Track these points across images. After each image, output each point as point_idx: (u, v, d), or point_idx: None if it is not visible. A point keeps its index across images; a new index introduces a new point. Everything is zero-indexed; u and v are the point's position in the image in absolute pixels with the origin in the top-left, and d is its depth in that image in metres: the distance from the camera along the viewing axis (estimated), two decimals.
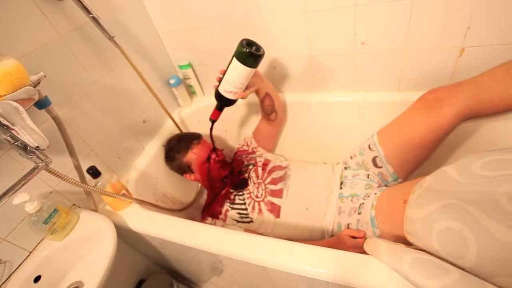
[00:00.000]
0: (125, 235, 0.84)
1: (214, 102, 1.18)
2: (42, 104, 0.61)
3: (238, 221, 0.92)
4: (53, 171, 0.60)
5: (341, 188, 0.88)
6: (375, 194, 0.75)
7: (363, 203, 0.77)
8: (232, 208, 0.93)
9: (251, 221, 0.90)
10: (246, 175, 0.99)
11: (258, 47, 0.73)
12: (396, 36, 0.81)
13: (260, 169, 0.99)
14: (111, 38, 0.79)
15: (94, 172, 0.74)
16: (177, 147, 0.98)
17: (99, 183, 0.76)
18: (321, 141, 1.12)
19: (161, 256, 0.97)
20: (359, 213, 0.76)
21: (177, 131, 1.09)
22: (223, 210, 0.94)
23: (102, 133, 0.88)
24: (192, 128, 1.21)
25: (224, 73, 0.77)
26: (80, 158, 0.78)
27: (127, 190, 0.83)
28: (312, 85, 1.02)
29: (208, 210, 0.98)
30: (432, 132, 0.77)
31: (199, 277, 1.08)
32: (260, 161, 1.02)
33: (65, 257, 0.71)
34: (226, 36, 0.99)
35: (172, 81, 1.11)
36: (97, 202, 0.84)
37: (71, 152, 0.72)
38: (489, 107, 0.73)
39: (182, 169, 1.00)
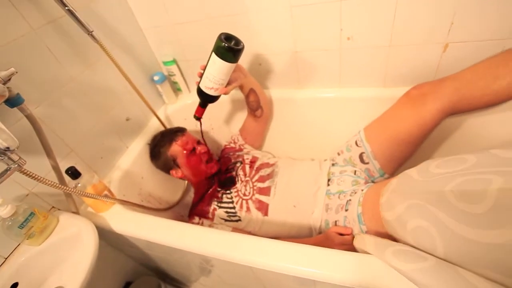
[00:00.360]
0: (108, 237, 0.81)
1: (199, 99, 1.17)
2: (13, 102, 0.58)
3: (226, 220, 0.90)
4: (28, 172, 0.57)
5: (328, 184, 0.88)
6: (362, 190, 0.75)
7: (350, 200, 0.77)
8: (220, 207, 0.92)
9: (239, 220, 0.89)
10: (234, 173, 0.97)
11: (238, 41, 0.71)
12: (381, 32, 0.81)
13: (247, 167, 0.98)
14: (89, 33, 0.75)
15: (74, 173, 0.71)
16: (161, 142, 0.96)
17: (79, 184, 0.73)
18: (308, 138, 1.12)
19: (147, 258, 0.94)
20: (346, 210, 0.76)
21: (162, 129, 1.05)
22: (211, 209, 0.93)
23: (83, 132, 0.84)
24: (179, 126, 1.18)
25: (204, 68, 0.75)
26: (59, 158, 0.74)
27: (109, 191, 0.80)
28: (298, 81, 1.02)
29: (195, 209, 0.96)
30: (418, 127, 0.77)
31: (188, 277, 1.07)
32: (247, 159, 1.00)
33: (44, 263, 0.68)
34: (211, 31, 0.95)
35: (156, 78, 1.08)
36: (78, 204, 0.80)
37: (48, 153, 0.68)
38: (472, 102, 0.74)
39: (168, 165, 0.97)
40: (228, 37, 0.70)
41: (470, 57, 0.76)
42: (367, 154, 0.86)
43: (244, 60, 1.00)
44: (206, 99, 0.80)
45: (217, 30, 0.94)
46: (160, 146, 0.96)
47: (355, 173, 0.88)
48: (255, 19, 0.89)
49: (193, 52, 1.07)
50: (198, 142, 0.97)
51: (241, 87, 0.92)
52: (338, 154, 0.96)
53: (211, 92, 0.77)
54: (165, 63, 1.10)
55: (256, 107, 0.97)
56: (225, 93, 0.79)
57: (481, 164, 0.49)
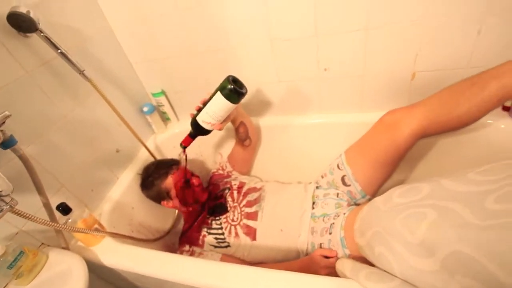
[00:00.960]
0: (99, 270, 0.81)
1: (188, 128, 1.21)
2: (6, 144, 0.60)
3: (215, 246, 0.91)
4: (19, 212, 0.58)
5: (313, 208, 0.91)
6: (344, 214, 0.79)
7: (333, 223, 0.80)
8: (209, 233, 0.93)
9: (228, 246, 0.90)
10: (223, 199, 1.00)
11: (242, 85, 0.75)
12: (355, 63, 0.89)
13: (235, 192, 1.00)
14: (80, 72, 0.79)
15: (64, 209, 0.72)
16: (155, 174, 0.97)
17: (69, 220, 0.74)
18: (294, 161, 1.16)
19: None
20: (330, 233, 0.79)
21: (152, 159, 1.08)
22: (201, 236, 0.94)
23: (73, 167, 0.86)
24: (168, 154, 1.21)
25: (204, 103, 0.78)
26: (50, 194, 0.75)
27: (100, 224, 0.81)
28: (282, 109, 1.07)
29: (185, 237, 0.97)
30: (393, 151, 0.83)
31: None
32: (235, 184, 1.03)
33: None
34: (198, 64, 1.03)
35: (145, 109, 1.12)
36: (68, 239, 0.80)
37: (39, 190, 0.69)
38: (439, 126, 0.80)
39: (161, 196, 0.98)
40: (234, 80, 0.74)
41: (435, 84, 0.83)
42: (348, 177, 0.90)
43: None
44: (199, 132, 0.83)
45: (204, 63, 1.01)
46: (154, 178, 0.97)
47: (337, 196, 0.91)
48: (240, 53, 0.96)
49: (181, 84, 1.12)
50: (192, 174, 0.99)
51: (232, 120, 0.96)
52: (322, 177, 1.00)
53: (208, 127, 0.80)
54: (154, 94, 1.15)
55: (245, 137, 1.01)
56: (220, 129, 0.83)
57: (430, 195, 0.56)
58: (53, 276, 0.69)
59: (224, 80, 0.73)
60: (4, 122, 0.58)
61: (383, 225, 0.59)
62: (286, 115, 1.09)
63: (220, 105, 0.74)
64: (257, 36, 0.91)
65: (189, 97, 1.15)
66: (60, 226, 0.67)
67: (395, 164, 0.86)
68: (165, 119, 1.23)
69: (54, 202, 0.73)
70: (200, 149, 1.23)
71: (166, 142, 1.19)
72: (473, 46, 0.77)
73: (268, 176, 1.21)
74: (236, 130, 1.00)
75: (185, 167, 0.96)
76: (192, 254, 0.90)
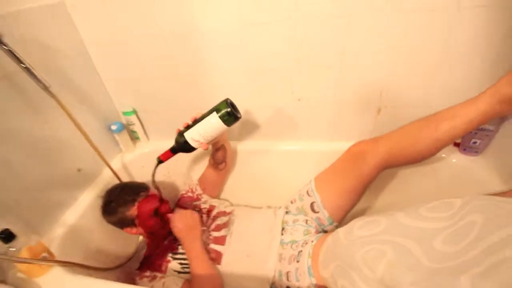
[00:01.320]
0: None
1: (158, 148, 1.16)
2: None
3: (179, 272, 0.86)
4: None
5: (282, 234, 0.90)
6: (312, 242, 0.79)
7: (301, 251, 0.80)
8: (174, 259, 0.87)
9: None
10: None
11: (238, 110, 0.76)
12: (325, 95, 0.93)
13: (204, 216, 0.97)
14: (46, 88, 0.75)
15: (7, 237, 0.65)
16: (119, 200, 0.89)
17: (12, 248, 0.66)
18: (265, 186, 1.15)
19: None
20: (298, 261, 0.78)
21: (116, 180, 1.02)
22: (164, 261, 0.88)
23: (25, 187, 0.78)
24: (135, 174, 1.16)
25: (195, 121, 0.76)
26: None
27: (49, 252, 0.74)
28: (259, 134, 1.08)
29: (147, 263, 0.90)
30: (359, 180, 0.86)
31: None
32: (204, 208, 1.00)
33: None
34: (173, 86, 1.02)
35: (114, 127, 1.07)
36: (6, 269, 0.71)
37: None
38: (401, 159, 0.85)
39: (124, 224, 0.90)
40: (232, 104, 0.74)
41: (398, 120, 0.89)
42: (317, 204, 0.91)
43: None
44: (183, 149, 0.80)
45: (179, 86, 1.01)
46: (118, 205, 0.89)
47: (306, 222, 0.92)
48: (215, 80, 0.97)
49: (153, 104, 1.10)
50: (161, 200, 0.94)
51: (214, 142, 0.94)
52: (292, 202, 1.00)
53: (195, 145, 0.78)
54: (124, 113, 1.11)
55: (221, 160, 0.99)
56: (205, 149, 0.81)
57: (387, 230, 0.60)
58: None
59: (222, 102, 0.73)
60: None
61: (345, 259, 0.61)
62: (260, 140, 1.10)
63: (213, 125, 0.74)
64: (234, 65, 0.92)
65: (161, 117, 1.13)
66: None
67: (360, 192, 0.89)
68: (134, 138, 1.18)
69: None
70: (168, 169, 1.19)
71: (134, 161, 1.14)
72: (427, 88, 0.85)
73: (237, 199, 1.19)
74: (214, 152, 0.98)
75: (153, 180, 0.91)
76: (153, 279, 0.83)
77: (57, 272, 0.73)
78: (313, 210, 0.92)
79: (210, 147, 0.97)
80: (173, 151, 0.82)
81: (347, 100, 0.92)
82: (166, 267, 0.86)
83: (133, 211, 0.88)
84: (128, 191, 0.91)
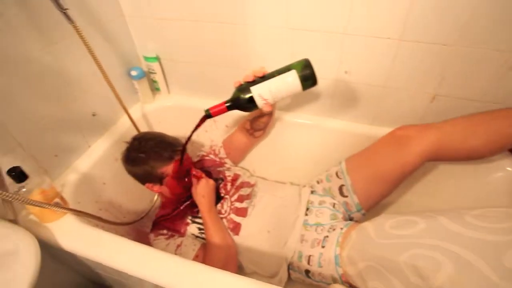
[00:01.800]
0: (53, 251, 0.68)
1: (179, 103, 1.09)
2: None
3: (197, 236, 0.83)
4: None
5: (306, 214, 0.85)
6: (341, 229, 0.74)
7: (327, 237, 0.75)
8: (193, 222, 0.83)
9: None
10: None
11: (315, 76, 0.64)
12: (379, 72, 0.82)
13: (229, 185, 0.91)
14: (63, 10, 0.63)
15: (18, 175, 0.58)
16: (154, 153, 0.79)
17: (24, 189, 0.60)
18: (288, 160, 1.09)
19: (97, 276, 0.82)
20: (323, 247, 0.74)
21: (133, 130, 0.93)
22: (183, 223, 0.84)
23: (36, 123, 0.71)
24: (152, 128, 1.08)
25: (265, 76, 0.64)
26: (1, 153, 0.61)
27: (62, 198, 0.68)
28: (289, 105, 0.99)
29: (166, 221, 0.85)
30: (399, 167, 0.79)
31: None
32: (229, 176, 0.94)
33: None
34: (206, 36, 0.90)
35: (134, 73, 0.97)
36: (18, 210, 0.66)
37: None
38: (449, 153, 0.77)
39: (149, 179, 0.82)
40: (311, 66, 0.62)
41: (453, 111, 0.81)
42: (347, 187, 0.86)
43: (235, 72, 0.95)
44: (243, 106, 0.66)
45: (209, 35, 0.89)
46: (151, 158, 0.79)
47: (334, 206, 0.87)
48: (252, 33, 0.85)
49: (180, 53, 0.98)
50: (192, 162, 0.87)
51: None
52: (318, 182, 0.95)
53: (259, 103, 0.65)
54: (146, 58, 1.00)
55: (261, 128, 0.88)
56: (268, 111, 0.67)
57: (429, 232, 0.55)
58: None
59: (301, 61, 0.62)
60: None
61: (380, 261, 0.58)
62: (291, 112, 1.01)
63: (289, 85, 0.62)
64: (276, 18, 0.80)
65: (187, 69, 1.02)
66: (10, 196, 0.54)
67: (397, 181, 0.83)
68: (154, 88, 1.08)
69: (4, 163, 0.59)
70: (186, 129, 1.11)
71: (152, 114, 1.05)
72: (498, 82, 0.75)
73: (257, 170, 1.14)
74: (257, 118, 0.84)
75: (187, 140, 0.76)
76: (170, 237, 0.80)
77: (69, 220, 0.69)
78: (341, 193, 0.87)
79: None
80: (230, 107, 0.67)
81: (400, 81, 0.82)
82: (186, 230, 0.82)
83: (166, 168, 0.79)
84: (164, 146, 0.80)
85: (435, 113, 0.85)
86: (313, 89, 0.90)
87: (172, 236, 0.79)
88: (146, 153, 0.79)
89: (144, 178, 0.82)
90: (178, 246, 0.76)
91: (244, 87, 0.65)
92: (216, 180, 0.91)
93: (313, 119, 0.99)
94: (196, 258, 0.76)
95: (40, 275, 0.56)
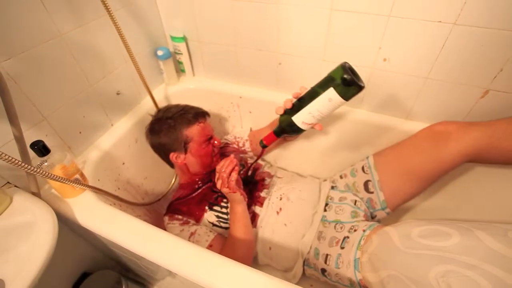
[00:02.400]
0: (73, 226, 0.70)
1: (204, 86, 1.06)
2: None
3: (214, 225, 0.79)
4: None
5: (325, 210, 0.80)
6: (363, 231, 0.69)
7: (348, 238, 0.70)
8: (211, 209, 0.80)
9: (228, 228, 0.79)
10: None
11: (359, 77, 0.54)
12: (422, 61, 0.73)
13: (249, 172, 0.88)
14: None
15: (41, 149, 0.58)
16: (180, 116, 0.80)
17: (46, 163, 0.60)
18: (309, 152, 1.03)
19: (111, 252, 0.84)
20: (342, 248, 0.69)
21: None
22: (200, 208, 0.81)
23: (62, 99, 0.71)
24: None
25: (302, 99, 0.58)
26: (25, 126, 0.62)
27: (82, 175, 0.68)
28: None
29: (181, 205, 0.84)
30: (434, 165, 0.72)
31: (152, 276, 0.97)
32: (250, 163, 0.91)
33: None
34: (234, 14, 0.85)
35: (160, 53, 0.95)
36: (41, 184, 0.68)
37: (12, 119, 0.55)
38: (498, 153, 0.68)
39: (173, 146, 0.81)
40: (351, 69, 0.54)
41: (506, 110, 0.71)
42: (373, 183, 0.80)
43: (264, 55, 0.90)
44: (289, 131, 0.63)
45: (241, 14, 0.84)
46: (177, 121, 0.79)
47: (355, 203, 0.81)
48: (288, 13, 0.78)
49: (207, 33, 0.94)
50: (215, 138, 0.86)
51: None
52: (341, 177, 0.89)
53: (306, 127, 0.61)
54: (173, 38, 0.97)
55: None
56: (320, 129, 0.62)
57: (464, 249, 0.49)
58: (13, 225, 0.58)
59: (338, 70, 0.53)
60: None
61: (407, 272, 0.53)
62: None
63: (330, 104, 0.55)
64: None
65: (214, 52, 0.98)
66: (31, 169, 0.54)
67: (430, 180, 0.76)
68: (179, 70, 1.06)
69: (29, 137, 0.59)
70: (210, 112, 1.08)
71: (175, 96, 1.03)
72: None
73: (278, 161, 1.10)
74: None
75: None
76: (184, 223, 0.77)
77: (88, 196, 0.69)
78: (366, 189, 0.81)
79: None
80: (278, 134, 0.65)
81: (447, 73, 0.73)
82: (202, 216, 0.79)
83: (190, 131, 0.80)
84: (190, 109, 0.82)
85: (484, 110, 0.75)
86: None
87: (187, 222, 0.77)
88: (173, 118, 0.80)
89: (169, 146, 0.81)
90: (192, 234, 0.74)
91: (286, 118, 0.61)
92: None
93: (340, 109, 0.91)
94: (209, 248, 0.73)
95: (60, 247, 0.57)
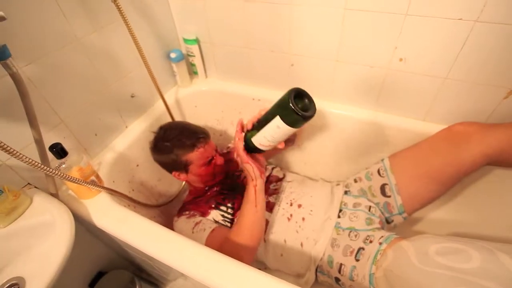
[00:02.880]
0: (89, 226, 0.71)
1: (216, 88, 1.07)
2: None
3: (218, 223, 0.79)
4: (2, 145, 0.46)
5: (339, 216, 0.79)
6: (380, 244, 0.66)
7: (363, 249, 0.68)
8: (218, 209, 0.80)
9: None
10: (240, 180, 0.87)
11: (308, 105, 0.55)
12: (440, 60, 0.71)
13: None
14: None
15: (59, 152, 0.60)
16: (177, 141, 0.78)
17: (63, 165, 0.62)
18: (320, 155, 1.02)
19: (125, 252, 0.85)
20: (357, 260, 0.67)
21: (167, 115, 0.93)
22: (207, 206, 0.81)
23: (79, 103, 0.73)
24: (187, 113, 1.07)
25: (259, 122, 0.59)
26: (44, 129, 0.63)
27: (97, 177, 0.70)
28: (330, 93, 0.91)
29: (190, 205, 0.84)
30: (453, 167, 0.70)
31: (165, 277, 0.98)
32: None
33: (5, 248, 0.58)
34: (246, 15, 0.85)
35: (173, 55, 0.96)
36: (58, 185, 0.69)
37: (32, 121, 0.57)
38: None
39: (175, 167, 0.82)
40: (299, 94, 0.55)
41: None
42: (390, 187, 0.78)
43: (276, 57, 0.89)
44: (251, 150, 0.64)
45: (253, 15, 0.83)
46: (175, 146, 0.78)
47: (369, 210, 0.79)
48: (300, 13, 0.77)
49: (219, 35, 0.94)
50: (216, 150, 0.84)
51: None
52: (355, 181, 0.87)
53: (264, 148, 0.62)
54: (186, 40, 0.98)
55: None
56: (281, 148, 0.63)
57: (485, 273, 0.47)
58: (33, 225, 0.59)
59: (285, 98, 0.53)
60: None
61: None
62: (330, 101, 0.92)
63: (280, 131, 0.56)
64: None
65: (227, 53, 0.98)
66: (50, 171, 0.55)
67: (449, 185, 0.74)
68: (192, 72, 1.07)
69: (48, 139, 0.61)
70: (222, 115, 1.09)
71: (188, 98, 1.04)
72: None
73: (288, 164, 1.08)
74: None
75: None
76: (191, 216, 0.78)
77: (104, 198, 0.70)
78: (383, 193, 0.79)
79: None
80: (248, 150, 0.65)
81: (468, 72, 0.70)
82: (208, 213, 0.79)
83: (189, 156, 0.78)
84: (188, 134, 0.79)
85: (508, 112, 0.71)
86: (360, 77, 0.83)
87: (193, 215, 0.77)
88: (170, 142, 0.78)
89: (170, 166, 0.82)
90: (197, 223, 0.74)
91: (248, 136, 0.62)
92: (242, 171, 0.88)
93: (353, 110, 0.90)
94: (212, 233, 0.71)
95: (76, 247, 0.58)
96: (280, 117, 0.53)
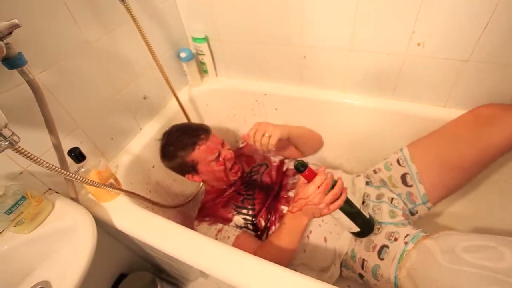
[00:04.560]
0: (108, 227, 0.72)
1: (226, 86, 1.06)
2: (13, 62, 0.46)
3: (241, 227, 0.78)
4: (22, 151, 0.46)
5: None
6: (405, 244, 0.63)
7: (387, 247, 0.65)
8: (238, 213, 0.79)
9: (257, 230, 0.78)
10: (257, 176, 0.86)
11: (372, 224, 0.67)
12: (462, 43, 0.67)
13: (274, 172, 0.86)
14: None
15: (77, 156, 0.60)
16: (178, 143, 0.77)
17: (82, 169, 0.62)
18: (340, 146, 0.99)
19: (146, 254, 0.85)
20: (381, 259, 0.65)
21: (181, 114, 0.92)
22: (227, 211, 0.80)
23: (93, 107, 0.73)
24: (200, 111, 1.07)
25: (351, 205, 0.63)
26: (63, 134, 0.64)
27: (115, 179, 0.70)
28: (343, 84, 0.88)
29: (209, 208, 0.84)
30: (478, 152, 0.66)
31: (186, 277, 0.98)
32: (274, 162, 0.88)
33: (30, 253, 0.59)
34: (254, 9, 0.83)
35: (183, 55, 0.95)
36: (78, 189, 0.70)
37: (50, 127, 0.57)
38: None
39: (185, 170, 0.81)
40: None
41: None
42: (411, 176, 0.75)
43: (287, 50, 0.87)
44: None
45: (261, 8, 0.82)
46: (177, 148, 0.77)
47: (392, 201, 0.76)
48: (311, 3, 0.75)
49: (228, 32, 0.93)
50: (223, 144, 0.82)
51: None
52: (375, 171, 0.85)
53: (335, 216, 0.65)
54: (194, 39, 0.97)
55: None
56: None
57: None
58: (56, 230, 0.60)
59: (365, 227, 0.66)
60: (11, 33, 0.44)
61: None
62: (345, 92, 0.90)
63: (345, 220, 0.65)
64: None
65: (236, 50, 0.97)
66: (70, 175, 0.55)
67: (474, 171, 0.71)
68: (202, 71, 1.06)
69: (66, 144, 0.61)
70: (234, 111, 1.08)
71: (200, 97, 1.04)
72: None
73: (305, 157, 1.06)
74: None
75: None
76: (212, 223, 0.77)
77: (122, 200, 0.71)
78: (404, 183, 0.77)
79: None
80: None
81: (491, 53, 0.66)
82: (230, 221, 0.78)
83: (193, 155, 0.77)
84: (188, 134, 0.78)
85: None
86: (375, 65, 0.80)
87: (214, 222, 0.77)
88: (173, 145, 0.78)
89: (180, 170, 0.81)
90: (219, 231, 0.74)
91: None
92: (260, 165, 0.87)
93: (369, 100, 0.87)
94: (237, 240, 0.70)
95: (98, 250, 0.58)
96: (353, 233, 0.68)
